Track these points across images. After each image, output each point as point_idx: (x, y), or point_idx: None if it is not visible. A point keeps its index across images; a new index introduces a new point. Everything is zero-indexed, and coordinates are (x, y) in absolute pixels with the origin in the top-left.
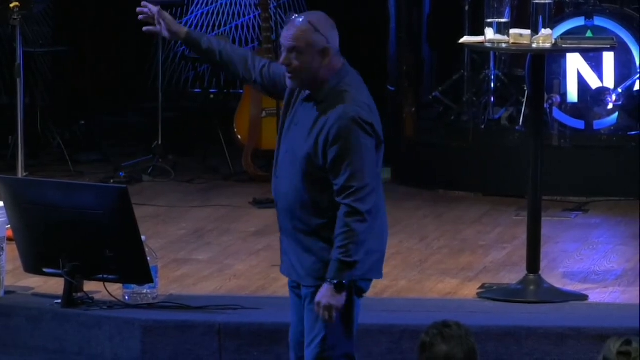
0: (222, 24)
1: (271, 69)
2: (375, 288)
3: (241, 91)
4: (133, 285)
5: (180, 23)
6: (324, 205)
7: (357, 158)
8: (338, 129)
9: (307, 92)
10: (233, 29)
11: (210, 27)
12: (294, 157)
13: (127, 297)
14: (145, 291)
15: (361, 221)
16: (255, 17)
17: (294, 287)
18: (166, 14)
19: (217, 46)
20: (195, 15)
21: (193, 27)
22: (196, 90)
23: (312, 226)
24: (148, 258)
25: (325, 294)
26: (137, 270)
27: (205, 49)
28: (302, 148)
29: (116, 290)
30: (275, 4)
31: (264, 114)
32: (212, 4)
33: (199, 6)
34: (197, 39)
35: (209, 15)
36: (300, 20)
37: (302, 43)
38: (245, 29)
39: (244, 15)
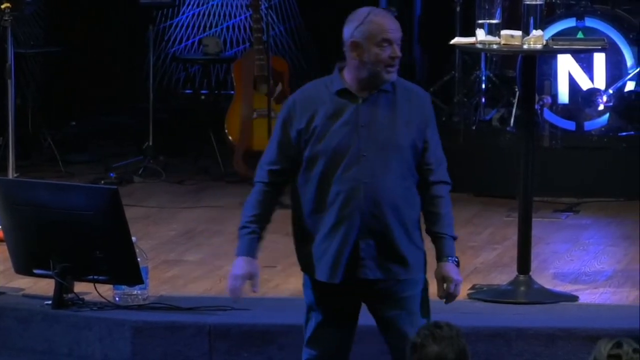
0: (213, 25)
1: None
2: None
3: (232, 92)
4: (123, 286)
5: (171, 25)
6: (416, 194)
7: (438, 134)
8: (429, 107)
9: (365, 93)
10: (224, 30)
11: (202, 28)
12: (387, 153)
13: (117, 298)
14: (135, 292)
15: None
16: (246, 18)
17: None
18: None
19: (265, 221)
20: (187, 17)
21: (184, 28)
22: (187, 91)
23: (413, 218)
24: (138, 259)
25: (457, 271)
26: (128, 271)
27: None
28: (399, 139)
29: (106, 291)
30: (266, 5)
31: (255, 115)
32: (203, 5)
33: (190, 7)
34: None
35: (200, 16)
36: (386, 11)
37: None
38: (236, 30)
39: (235, 17)
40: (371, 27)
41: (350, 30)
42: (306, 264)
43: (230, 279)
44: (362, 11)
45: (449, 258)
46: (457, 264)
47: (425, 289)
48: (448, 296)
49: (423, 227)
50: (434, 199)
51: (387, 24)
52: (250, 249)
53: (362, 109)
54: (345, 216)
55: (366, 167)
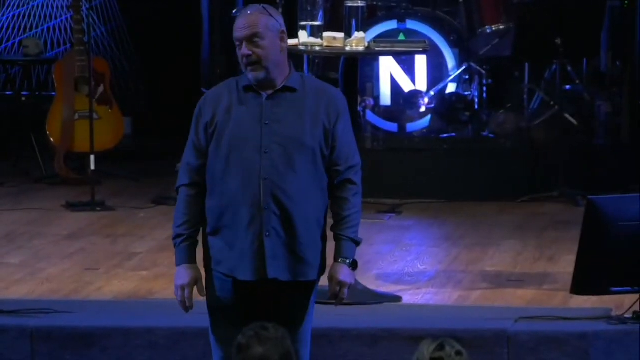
0: (34, 26)
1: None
2: None
3: (53, 93)
4: None
5: None
6: (321, 194)
7: (352, 135)
8: (340, 106)
9: (269, 90)
10: (45, 31)
11: (22, 29)
12: (292, 151)
13: None
14: None
15: (360, 200)
16: (67, 19)
17: (249, 287)
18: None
19: (197, 224)
20: (7, 18)
21: (4, 29)
22: (8, 92)
23: (316, 218)
24: None
25: (347, 273)
26: None
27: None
28: (304, 138)
29: None
30: (87, 6)
31: (76, 116)
32: (23, 6)
33: (9, 9)
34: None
35: (20, 17)
36: (251, 9)
37: (261, 28)
38: (57, 31)
39: (56, 18)
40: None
41: None
42: (215, 260)
43: (176, 291)
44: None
45: (343, 259)
46: (352, 267)
47: (314, 295)
48: (335, 298)
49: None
50: (338, 200)
51: (237, 22)
52: (188, 256)
53: (266, 106)
54: (248, 212)
55: (268, 165)
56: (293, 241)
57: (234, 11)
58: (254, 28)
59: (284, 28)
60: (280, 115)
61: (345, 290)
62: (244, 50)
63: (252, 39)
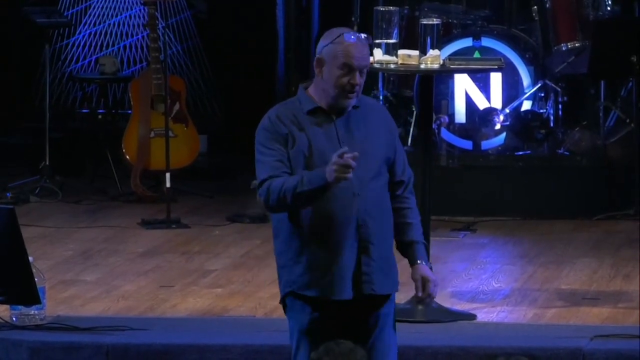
0: (110, 44)
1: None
2: (265, 308)
3: (129, 111)
4: (20, 307)
5: (67, 44)
6: (390, 206)
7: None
8: (392, 120)
9: (337, 110)
10: (121, 49)
11: (99, 47)
12: (369, 165)
13: (14, 318)
14: (32, 312)
15: None
16: (143, 37)
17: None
18: None
19: None
20: (83, 36)
21: (81, 47)
22: (84, 110)
23: (390, 231)
24: (35, 279)
25: (431, 272)
26: (24, 291)
27: None
28: (376, 152)
29: (3, 311)
30: (163, 25)
31: (152, 134)
32: (99, 24)
33: (86, 26)
34: None
35: (97, 35)
36: (361, 37)
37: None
38: (133, 49)
39: (132, 36)
40: (338, 48)
41: (320, 46)
42: (303, 284)
43: (333, 166)
44: (337, 31)
45: (424, 260)
46: (431, 269)
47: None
48: (429, 297)
49: None
50: (405, 210)
51: (353, 50)
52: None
53: (339, 125)
54: (344, 230)
55: (355, 180)
56: (384, 255)
57: (340, 30)
58: (368, 60)
59: None
60: (352, 133)
61: (435, 288)
62: (357, 79)
63: (363, 70)
